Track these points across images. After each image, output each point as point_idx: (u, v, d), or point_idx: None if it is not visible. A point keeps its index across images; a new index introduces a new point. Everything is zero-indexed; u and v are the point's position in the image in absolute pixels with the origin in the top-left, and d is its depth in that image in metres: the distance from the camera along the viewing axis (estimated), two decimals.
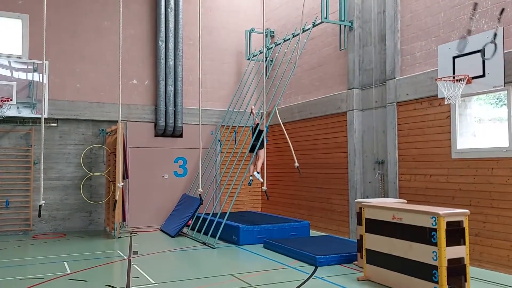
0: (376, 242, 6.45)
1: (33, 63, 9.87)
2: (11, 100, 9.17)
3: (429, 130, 8.36)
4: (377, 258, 6.40)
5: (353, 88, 10.24)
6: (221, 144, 12.46)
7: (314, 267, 7.37)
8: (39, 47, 11.32)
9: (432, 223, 5.54)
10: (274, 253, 8.53)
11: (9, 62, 10.48)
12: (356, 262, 7.52)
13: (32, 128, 11.34)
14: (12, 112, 10.30)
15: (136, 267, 7.38)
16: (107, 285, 6.25)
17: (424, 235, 5.63)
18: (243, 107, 12.61)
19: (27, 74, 10.03)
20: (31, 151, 11.31)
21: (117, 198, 7.45)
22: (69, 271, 7.05)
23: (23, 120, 11.26)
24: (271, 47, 13.28)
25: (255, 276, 6.86)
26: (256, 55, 13.55)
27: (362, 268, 6.79)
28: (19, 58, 10.48)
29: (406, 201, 7.52)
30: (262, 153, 10.84)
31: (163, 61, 12.57)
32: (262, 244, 9.20)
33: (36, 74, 10.83)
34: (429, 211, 5.67)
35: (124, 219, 11.25)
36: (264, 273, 7.11)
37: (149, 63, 12.78)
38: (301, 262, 7.74)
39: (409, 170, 8.77)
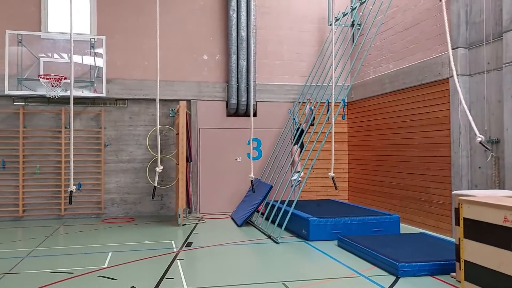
0: (479, 253, 4.57)
1: (91, 39, 9.31)
2: (65, 78, 8.72)
3: None
4: (480, 275, 4.53)
5: (457, 47, 8.04)
6: (296, 122, 10.97)
7: (394, 278, 5.68)
8: (106, 24, 10.90)
9: None
10: (348, 254, 6.94)
11: (70, 39, 10.07)
12: (453, 275, 5.66)
13: (102, 110, 11.01)
14: (77, 92, 9.92)
15: (179, 263, 6.39)
16: (132, 287, 5.30)
17: None
18: (327, 80, 10.89)
19: (90, 52, 9.52)
20: (102, 132, 10.99)
21: (155, 184, 6.47)
22: (106, 265, 6.30)
23: (93, 101, 10.97)
24: (355, 7, 11.35)
25: (309, 287, 5.40)
26: (339, 18, 11.73)
27: (460, 283, 4.94)
28: (79, 35, 10.02)
29: None
30: (295, 150, 9.65)
31: (234, 33, 11.41)
32: (336, 241, 7.64)
33: (101, 53, 10.36)
34: None
35: (188, 205, 10.44)
36: (324, 282, 5.60)
37: (220, 36, 11.71)
38: (379, 269, 6.08)
39: None
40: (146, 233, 8.80)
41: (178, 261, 6.53)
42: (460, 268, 5.03)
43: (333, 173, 7.06)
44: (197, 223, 9.82)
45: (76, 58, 9.43)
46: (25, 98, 10.54)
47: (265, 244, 7.76)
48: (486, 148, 6.35)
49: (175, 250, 7.25)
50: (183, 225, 9.58)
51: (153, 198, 6.33)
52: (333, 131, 6.84)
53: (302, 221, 8.21)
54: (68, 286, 5.40)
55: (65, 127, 10.76)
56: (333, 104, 6.95)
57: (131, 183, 11.21)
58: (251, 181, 6.78)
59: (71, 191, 5.85)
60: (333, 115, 6.96)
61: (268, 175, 10.85)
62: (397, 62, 10.09)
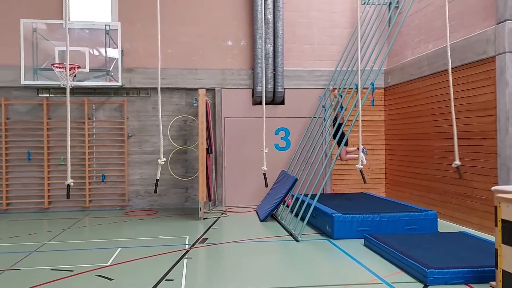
0: None
1: (106, 24, 8.98)
2: (78, 67, 8.45)
3: None
4: None
5: (505, 20, 7.03)
6: (325, 110, 10.20)
7: (422, 286, 4.93)
8: (128, 12, 10.60)
9: None
10: (373, 256, 6.23)
11: (83, 26, 9.82)
12: (493, 284, 4.83)
13: (125, 100, 10.76)
14: (92, 82, 9.67)
15: (186, 263, 5.93)
16: None
17: None
18: (361, 64, 9.98)
19: (106, 40, 9.20)
20: (125, 123, 10.75)
21: (158, 177, 6.06)
22: (109, 263, 5.95)
23: (117, 91, 10.74)
24: None
25: None
26: None
27: None
28: (95, 23, 9.73)
29: None
30: (340, 149, 8.71)
31: (260, 16, 10.76)
32: (363, 240, 6.92)
33: (119, 41, 10.07)
34: None
35: (209, 198, 10.00)
36: None
37: (245, 20, 11.11)
38: (407, 274, 5.35)
39: None
40: (164, 227, 8.44)
41: (185, 259, 6.08)
42: (499, 279, 4.24)
43: (362, 165, 6.40)
44: (219, 217, 9.37)
45: (93, 47, 9.12)
46: (49, 89, 10.47)
47: (284, 242, 7.17)
48: (460, 174, 5.49)
49: (186, 247, 6.82)
50: (204, 219, 9.16)
51: (155, 192, 5.96)
52: (360, 119, 6.14)
53: (326, 217, 7.53)
54: (61, 285, 5.07)
55: (89, 118, 10.61)
56: (359, 90, 6.23)
57: (155, 174, 10.88)
58: (264, 174, 6.17)
59: (68, 185, 5.57)
60: (359, 101, 6.21)
61: (296, 167, 10.19)
62: (436, 42, 9.10)
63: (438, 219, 7.64)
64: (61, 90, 10.46)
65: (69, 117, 5.65)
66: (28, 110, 10.49)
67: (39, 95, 10.49)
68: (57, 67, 8.18)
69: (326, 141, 10.04)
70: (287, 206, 9.25)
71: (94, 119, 10.70)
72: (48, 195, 10.43)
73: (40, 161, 10.38)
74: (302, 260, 6.17)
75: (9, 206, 10.31)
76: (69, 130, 5.62)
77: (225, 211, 10.08)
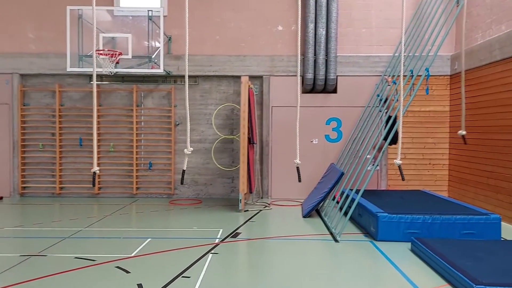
0: None
1: (149, 10, 8.83)
2: (120, 54, 8.38)
3: None
4: None
5: None
6: (381, 100, 9.35)
7: None
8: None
9: None
10: (419, 263, 5.50)
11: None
12: None
13: (172, 87, 10.66)
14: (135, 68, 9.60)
15: (209, 258, 5.61)
16: (138, 284, 4.66)
17: None
18: (419, 49, 8.99)
19: (148, 26, 9.06)
20: (172, 111, 10.66)
21: (184, 167, 5.76)
22: (133, 254, 5.78)
23: (165, 79, 10.67)
24: None
25: None
26: None
27: None
28: (138, 9, 9.61)
29: None
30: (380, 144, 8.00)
31: None
32: (410, 244, 6.18)
33: (173, 28, 9.93)
34: None
35: (251, 190, 9.61)
36: None
37: (296, 3, 10.45)
38: None
39: None
40: (201, 218, 8.21)
41: (210, 255, 5.76)
42: None
43: (399, 160, 5.69)
44: (261, 210, 8.98)
45: (136, 33, 9.04)
46: (101, 77, 10.62)
47: (322, 242, 6.61)
48: (464, 140, 4.46)
49: (216, 241, 6.50)
50: (245, 211, 8.82)
51: (182, 183, 5.64)
52: (401, 108, 5.40)
53: (371, 216, 6.85)
54: (76, 276, 4.96)
55: (137, 105, 10.65)
56: (401, 77, 5.47)
57: (202, 163, 10.76)
58: (297, 167, 5.65)
59: (94, 172, 5.43)
60: (401, 89, 5.45)
61: (346, 160, 9.49)
62: (510, 22, 7.93)
63: (503, 224, 6.67)
64: (112, 77, 10.57)
65: (95, 104, 5.51)
66: (81, 97, 10.73)
67: (91, 82, 10.66)
68: (100, 53, 8.18)
69: (381, 132, 9.22)
70: (337, 202, 8.62)
71: (142, 106, 10.72)
72: (99, 181, 10.64)
73: (91, 147, 10.59)
74: (334, 264, 5.60)
75: (62, 190, 10.66)
76: (95, 117, 5.47)
77: (269, 204, 9.67)
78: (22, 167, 10.60)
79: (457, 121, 9.99)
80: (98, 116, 10.62)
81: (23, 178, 10.63)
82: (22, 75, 10.63)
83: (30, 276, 4.88)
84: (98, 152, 10.63)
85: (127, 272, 5.07)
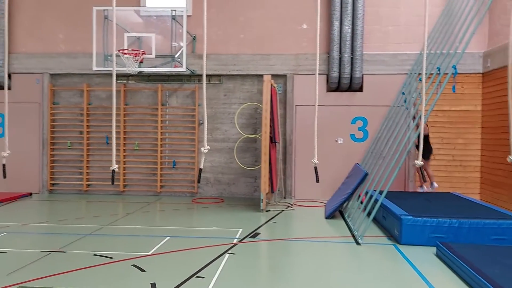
0: None
1: (172, 10, 8.85)
2: (143, 53, 8.44)
3: None
4: None
5: None
6: (405, 100, 9.04)
7: None
8: None
9: None
10: (444, 269, 5.26)
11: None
12: None
13: (196, 86, 10.68)
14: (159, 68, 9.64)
15: (226, 258, 5.54)
16: (152, 283, 4.64)
17: None
18: (447, 47, 8.65)
19: (171, 25, 9.09)
20: (196, 110, 10.67)
21: (201, 166, 5.70)
22: (151, 252, 5.79)
23: (189, 78, 10.70)
24: None
25: None
26: None
27: None
28: (160, 9, 9.65)
29: None
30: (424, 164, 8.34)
31: None
32: (435, 248, 5.92)
33: (197, 27, 9.96)
34: None
35: (273, 190, 9.49)
36: None
37: (321, 1, 10.28)
38: None
39: None
40: (222, 218, 8.17)
41: (227, 255, 5.69)
42: None
43: (420, 161, 5.44)
44: (283, 210, 8.86)
45: (160, 33, 9.09)
46: (127, 76, 10.76)
47: (343, 244, 6.43)
48: None
49: (235, 241, 6.43)
50: (266, 211, 8.73)
51: (198, 181, 5.59)
52: (423, 109, 5.17)
53: (395, 218, 6.62)
54: (92, 273, 4.99)
55: (162, 104, 10.72)
56: (423, 75, 5.23)
57: (225, 163, 10.73)
58: (315, 167, 5.50)
59: (113, 170, 5.48)
60: (423, 88, 5.21)
61: (372, 160, 9.24)
62: None
63: None
64: (137, 77, 10.70)
65: (115, 102, 5.56)
66: (108, 96, 10.90)
67: (118, 82, 10.83)
68: (124, 53, 8.26)
69: (407, 132, 8.92)
70: (361, 202, 8.40)
71: (167, 105, 10.78)
72: (124, 179, 10.78)
73: (117, 146, 10.74)
74: (354, 268, 5.42)
75: (89, 187, 10.86)
76: (114, 115, 5.54)
77: (292, 204, 9.54)
78: (51, 165, 10.86)
79: (490, 121, 9.59)
80: (124, 115, 10.77)
81: (52, 175, 10.89)
82: (52, 75, 10.89)
83: (47, 272, 4.94)
84: (124, 151, 10.78)
85: (143, 270, 5.06)
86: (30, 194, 10.53)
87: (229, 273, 5.03)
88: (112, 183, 5.46)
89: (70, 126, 10.91)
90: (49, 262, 5.36)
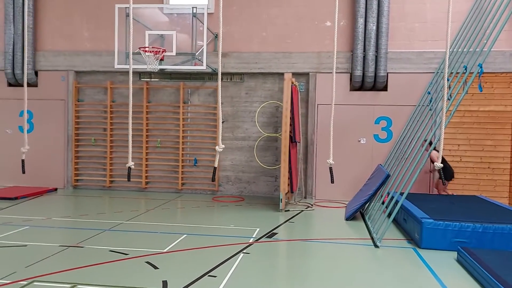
0: None
1: (193, 7, 8.85)
2: (164, 51, 8.46)
3: None
4: None
5: None
6: (431, 99, 8.76)
7: None
8: None
9: None
10: (465, 276, 5.07)
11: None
12: None
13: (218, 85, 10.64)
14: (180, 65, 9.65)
15: (241, 258, 5.50)
16: (164, 281, 4.64)
17: None
18: (474, 44, 8.32)
19: (192, 22, 9.09)
20: (218, 108, 10.64)
21: (216, 165, 5.66)
22: (166, 250, 5.81)
23: (211, 76, 10.71)
24: None
25: None
26: None
27: None
28: (182, 7, 9.65)
29: None
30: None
31: None
32: (456, 253, 5.71)
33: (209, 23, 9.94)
34: None
35: (292, 190, 9.37)
36: None
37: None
38: None
39: None
40: (240, 216, 8.14)
41: (241, 254, 5.65)
42: None
43: (440, 163, 5.24)
44: (302, 210, 8.76)
45: (180, 30, 9.12)
46: (150, 74, 10.87)
47: (361, 246, 6.29)
48: None
49: (251, 240, 6.38)
50: (285, 211, 8.65)
51: (213, 180, 5.56)
52: (444, 106, 4.97)
53: (415, 221, 6.43)
54: (106, 269, 5.03)
55: (184, 102, 10.78)
56: (445, 74, 5.02)
57: (246, 161, 10.69)
58: (330, 168, 5.39)
59: (129, 167, 5.52)
60: (445, 87, 5.00)
61: (395, 161, 9.01)
62: None
63: None
64: (160, 75, 10.80)
65: (131, 100, 5.64)
66: (132, 95, 10.99)
67: (141, 79, 10.96)
68: (144, 51, 8.32)
69: (430, 133, 8.67)
70: (383, 203, 8.20)
71: (189, 103, 10.83)
72: (146, 175, 10.89)
73: (139, 143, 10.86)
74: (369, 271, 5.27)
75: (112, 183, 11.02)
76: (131, 113, 5.59)
77: (312, 205, 9.42)
78: (76, 161, 11.08)
79: None
80: (147, 113, 10.87)
81: (76, 171, 11.11)
82: (77, 72, 11.10)
83: (62, 267, 5.02)
84: (146, 148, 10.89)
85: (156, 268, 5.08)
86: (55, 189, 10.78)
87: (242, 273, 4.98)
88: (128, 179, 5.48)
89: (94, 123, 11.10)
90: (65, 257, 5.45)
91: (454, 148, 9.75)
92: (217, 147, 5.62)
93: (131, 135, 5.58)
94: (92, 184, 11.10)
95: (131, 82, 5.47)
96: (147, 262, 5.25)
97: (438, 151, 5.21)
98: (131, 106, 5.52)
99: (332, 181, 5.42)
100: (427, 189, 9.78)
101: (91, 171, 11.13)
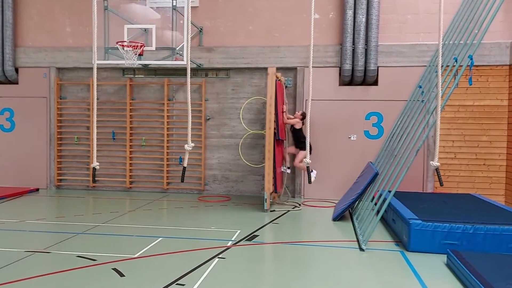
0: None
1: (172, 0, 8.49)
2: (142, 45, 8.10)
3: None
4: None
5: None
6: (423, 92, 8.40)
7: None
8: None
9: None
10: (453, 281, 4.74)
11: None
12: None
13: (203, 81, 10.33)
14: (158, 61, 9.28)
15: (215, 263, 5.17)
16: None
17: None
18: (466, 35, 7.94)
19: (172, 16, 8.72)
20: (203, 105, 10.33)
21: (185, 164, 5.34)
22: (137, 255, 5.47)
23: (196, 72, 10.36)
24: None
25: None
26: None
27: None
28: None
29: None
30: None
31: None
32: (446, 256, 5.38)
33: (204, 19, 9.58)
34: None
35: (276, 190, 9.02)
36: None
37: None
38: None
39: None
40: (223, 217, 7.81)
41: (216, 259, 5.31)
42: None
43: (438, 162, 4.93)
44: (289, 211, 8.42)
45: (160, 24, 8.77)
46: (134, 71, 10.52)
47: (344, 249, 5.95)
48: None
49: (229, 243, 6.05)
50: (271, 211, 8.31)
51: (182, 181, 5.23)
52: (438, 102, 4.63)
53: (403, 222, 6.09)
54: (68, 276, 4.71)
55: (169, 99, 10.43)
56: (440, 66, 4.67)
57: (233, 159, 10.35)
58: (307, 167, 5.05)
59: (94, 168, 5.20)
60: (439, 81, 4.65)
61: (386, 158, 8.66)
62: None
63: None
64: (144, 71, 10.45)
65: (95, 96, 5.24)
66: (115, 91, 10.68)
67: (124, 76, 10.61)
68: (122, 45, 7.97)
69: (419, 129, 8.30)
70: (375, 204, 7.86)
71: (174, 100, 10.48)
72: (130, 175, 10.56)
73: (123, 141, 10.53)
74: (349, 277, 4.92)
75: (96, 183, 10.68)
76: (95, 110, 5.23)
77: (300, 204, 9.08)
78: (58, 160, 10.75)
79: None
80: (130, 110, 10.53)
81: (59, 171, 10.78)
82: (59, 69, 10.75)
83: (24, 275, 4.69)
84: (130, 146, 10.55)
85: (122, 275, 4.74)
86: (37, 189, 10.45)
87: (213, 281, 4.65)
88: (93, 181, 5.16)
89: (77, 121, 10.76)
90: (29, 263, 5.12)
91: (448, 145, 9.40)
92: (186, 146, 5.31)
93: (95, 133, 5.21)
94: (76, 184, 10.77)
95: (95, 77, 5.07)
96: (114, 269, 4.92)
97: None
98: (95, 102, 5.14)
99: (310, 182, 5.07)
100: (420, 187, 9.43)
101: (74, 170, 10.80)
